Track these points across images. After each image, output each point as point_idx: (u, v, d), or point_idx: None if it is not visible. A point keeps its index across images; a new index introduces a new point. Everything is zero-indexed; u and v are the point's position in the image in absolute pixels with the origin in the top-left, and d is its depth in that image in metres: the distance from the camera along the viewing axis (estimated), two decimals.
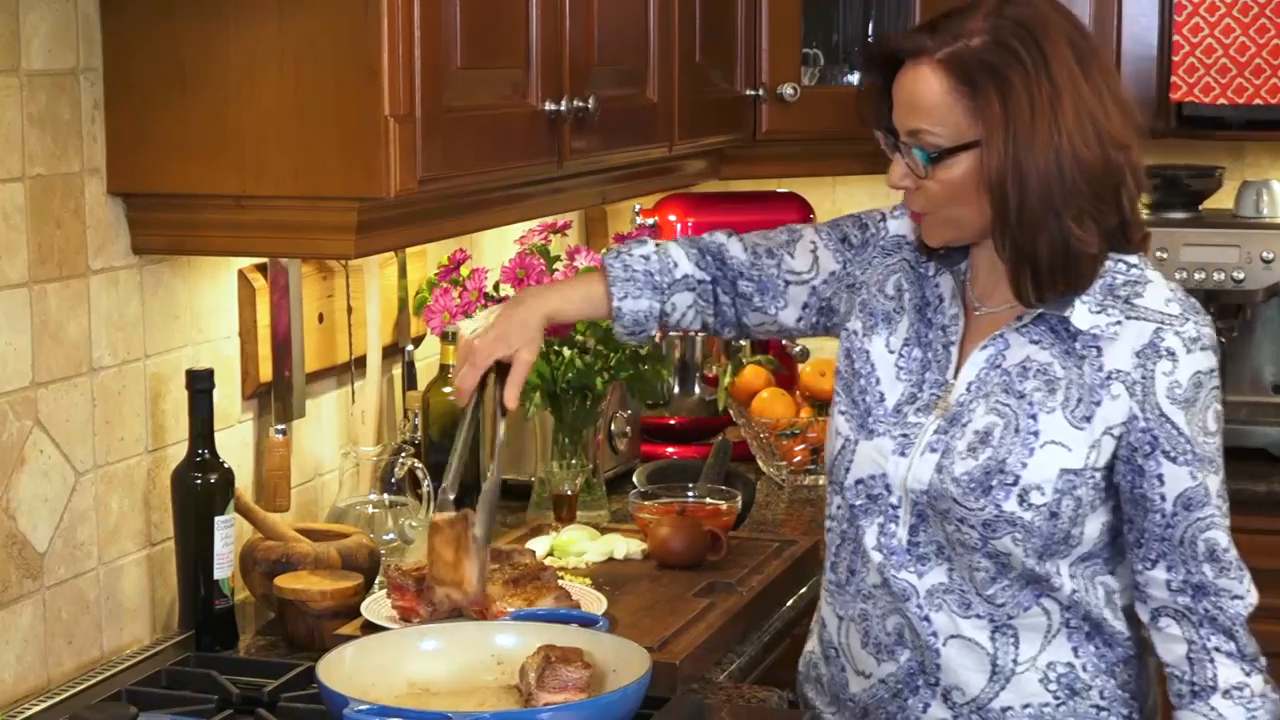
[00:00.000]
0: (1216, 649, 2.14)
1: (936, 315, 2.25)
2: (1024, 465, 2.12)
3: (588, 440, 3.10)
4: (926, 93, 2.09)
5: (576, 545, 2.80)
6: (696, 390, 3.62)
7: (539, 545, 2.79)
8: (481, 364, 2.24)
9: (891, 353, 2.25)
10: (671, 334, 2.53)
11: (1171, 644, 2.15)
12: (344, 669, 2.04)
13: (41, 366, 2.26)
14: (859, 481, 2.23)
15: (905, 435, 2.20)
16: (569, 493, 3.00)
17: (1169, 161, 4.01)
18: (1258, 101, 3.68)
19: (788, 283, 2.38)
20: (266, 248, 2.46)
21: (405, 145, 2.20)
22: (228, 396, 2.61)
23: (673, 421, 3.61)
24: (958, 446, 2.15)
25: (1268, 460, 3.69)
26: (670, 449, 3.57)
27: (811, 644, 2.38)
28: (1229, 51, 3.66)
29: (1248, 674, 2.14)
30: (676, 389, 3.58)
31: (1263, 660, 2.17)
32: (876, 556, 2.21)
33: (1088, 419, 2.12)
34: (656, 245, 2.40)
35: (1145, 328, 2.11)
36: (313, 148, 2.22)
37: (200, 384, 2.42)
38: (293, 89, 2.22)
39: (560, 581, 2.47)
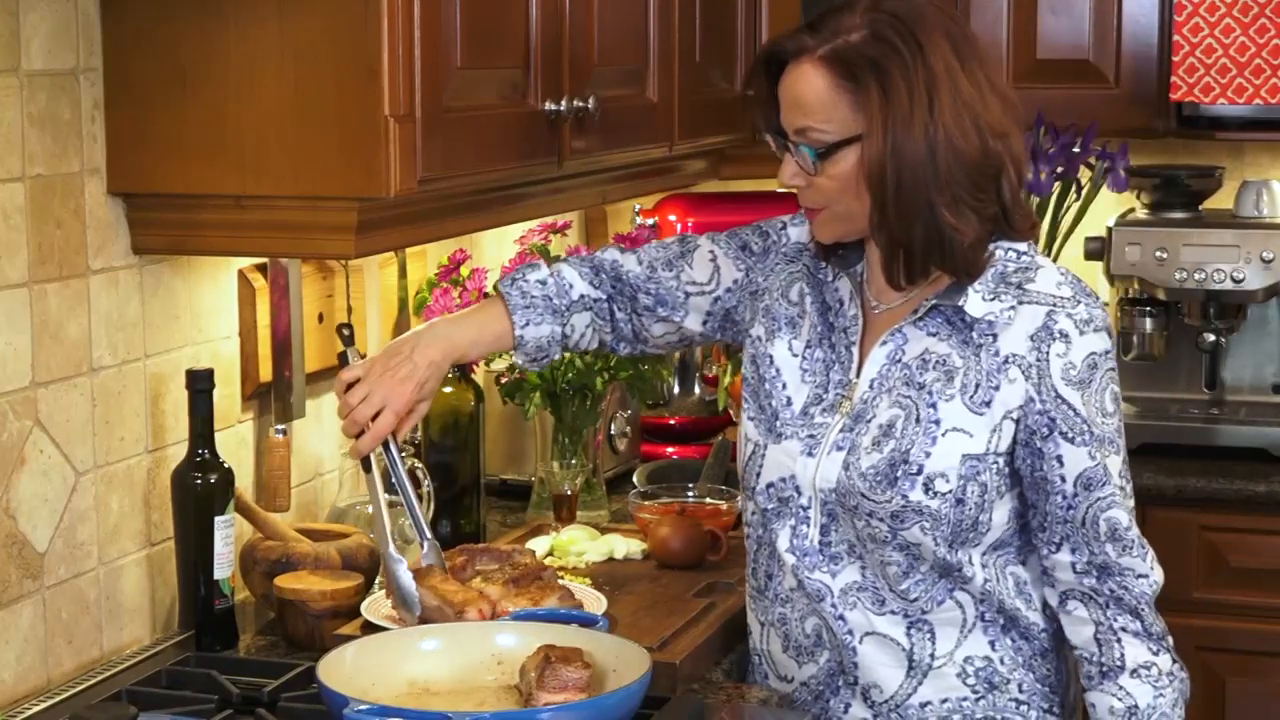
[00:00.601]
0: (1123, 629, 2.16)
1: (838, 318, 2.28)
2: (927, 455, 2.15)
3: (588, 440, 3.10)
4: (810, 90, 2.12)
5: (576, 545, 2.80)
6: (696, 390, 3.63)
7: (539, 545, 2.79)
8: (400, 415, 2.27)
9: (795, 356, 2.29)
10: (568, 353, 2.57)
11: (1079, 626, 2.18)
12: (344, 669, 2.04)
13: (41, 366, 2.26)
14: (770, 485, 2.26)
15: (812, 436, 2.23)
16: (569, 493, 3.00)
17: (1169, 161, 4.01)
18: (1258, 101, 3.68)
19: (688, 294, 2.42)
20: (266, 248, 2.46)
21: (405, 145, 2.20)
22: (228, 396, 2.61)
23: (673, 421, 3.61)
24: (863, 442, 2.19)
25: (1268, 460, 3.69)
26: (670, 449, 3.57)
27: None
28: (1229, 51, 3.66)
29: (1155, 653, 2.17)
30: (676, 389, 3.58)
31: (1170, 640, 2.19)
32: (790, 559, 2.24)
33: (987, 404, 2.15)
34: (550, 269, 2.42)
35: (1038, 311, 2.15)
36: (313, 148, 2.22)
37: (200, 384, 2.42)
38: (293, 89, 2.22)
39: (561, 581, 2.47)
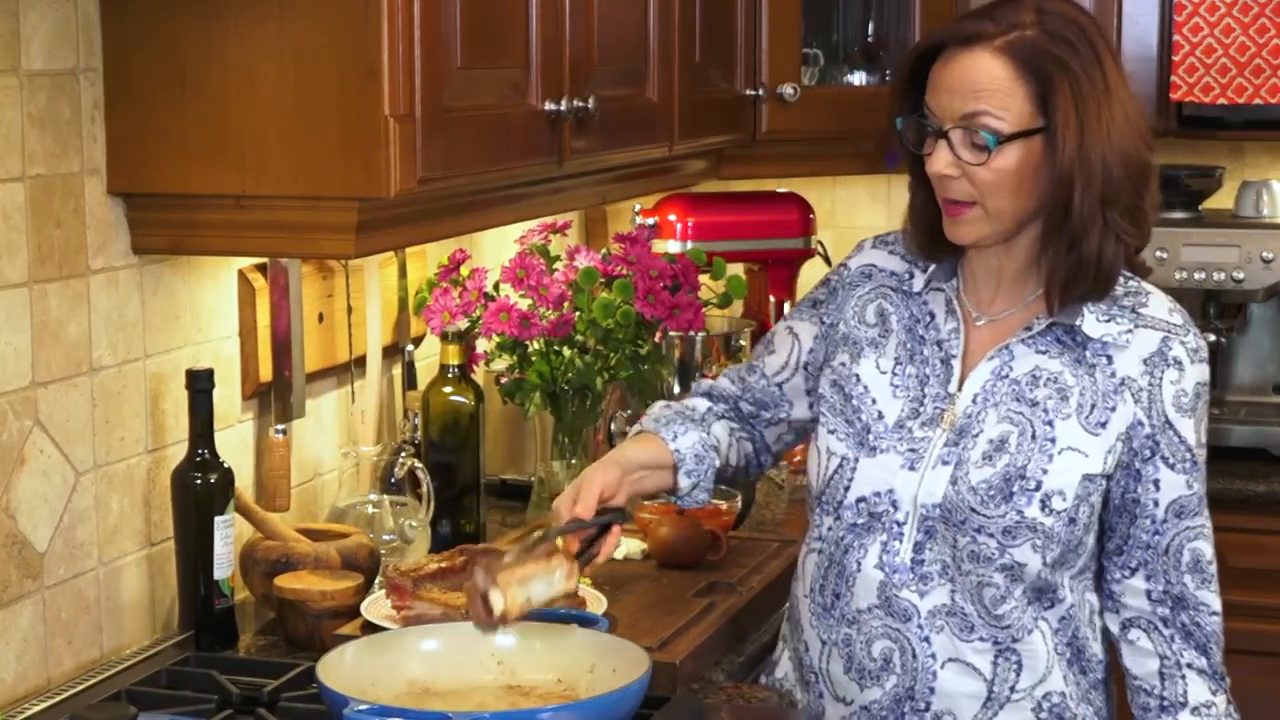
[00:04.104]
0: (1189, 665, 2.15)
1: (929, 331, 2.24)
2: (1045, 471, 2.12)
3: (588, 440, 3.10)
4: (987, 77, 2.08)
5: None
6: None
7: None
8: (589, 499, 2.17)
9: (883, 373, 2.24)
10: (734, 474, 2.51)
11: (1143, 657, 2.17)
12: (344, 669, 2.04)
13: (41, 366, 2.26)
14: (861, 500, 2.21)
15: (913, 450, 2.19)
16: None
17: (1169, 161, 4.00)
18: (1258, 101, 3.68)
19: (781, 384, 2.38)
20: (266, 248, 2.46)
21: (405, 145, 2.20)
22: (228, 396, 2.61)
23: None
24: (971, 456, 2.15)
25: (1268, 460, 3.69)
26: None
27: (783, 670, 2.36)
28: (1229, 51, 3.66)
29: (1214, 692, 2.16)
30: (676, 389, 3.58)
31: (1228, 681, 2.19)
32: (878, 575, 2.19)
33: (1103, 425, 2.13)
34: (669, 403, 2.40)
35: (1153, 336, 2.14)
36: (313, 148, 2.22)
37: (200, 384, 2.42)
38: (293, 89, 2.22)
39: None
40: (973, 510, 2.13)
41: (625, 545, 2.81)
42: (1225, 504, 3.54)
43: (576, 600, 2.40)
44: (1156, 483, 2.13)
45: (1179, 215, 3.85)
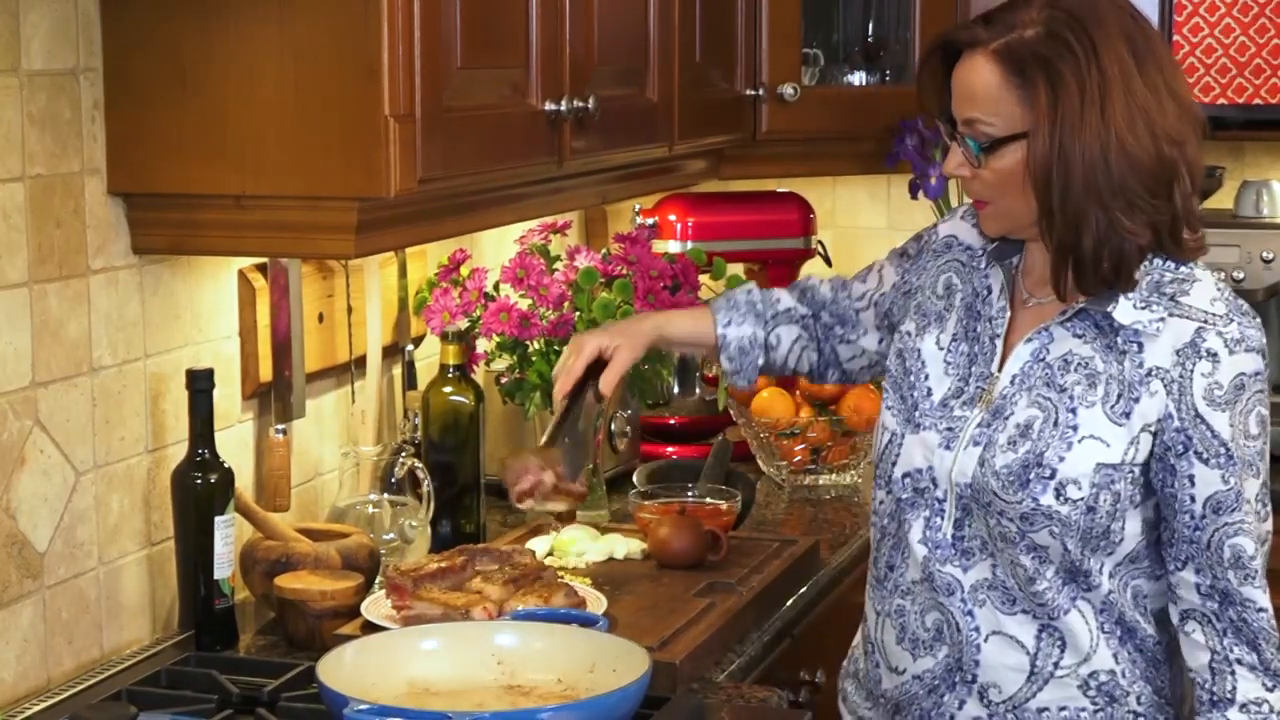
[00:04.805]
0: (1239, 660, 2.12)
1: (984, 307, 2.25)
2: (1061, 459, 2.12)
3: (588, 440, 3.10)
4: (979, 83, 2.11)
5: (576, 545, 2.80)
6: (696, 390, 3.63)
7: (539, 545, 2.79)
8: (587, 355, 2.37)
9: (941, 349, 2.26)
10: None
11: (1196, 651, 2.14)
12: (344, 669, 2.04)
13: (41, 366, 2.26)
14: (906, 475, 2.24)
15: (950, 429, 2.21)
16: None
17: None
18: (1258, 101, 3.68)
19: (858, 310, 2.47)
20: (266, 248, 2.46)
21: (405, 145, 2.20)
22: (228, 396, 2.61)
23: (673, 421, 3.61)
24: (999, 439, 2.16)
25: (1270, 460, 3.68)
26: (670, 449, 3.57)
27: (857, 637, 2.41)
28: (1229, 51, 3.66)
29: (1270, 689, 2.12)
30: (676, 389, 3.58)
31: None
32: (921, 550, 2.21)
33: (1127, 415, 2.11)
34: (756, 286, 2.52)
35: (1187, 326, 2.10)
36: (313, 148, 2.22)
37: (200, 384, 2.42)
38: (293, 89, 2.22)
39: (561, 580, 2.47)
40: (995, 494, 2.14)
41: (625, 545, 2.81)
42: None
43: (577, 600, 2.40)
44: (1191, 478, 2.10)
45: None
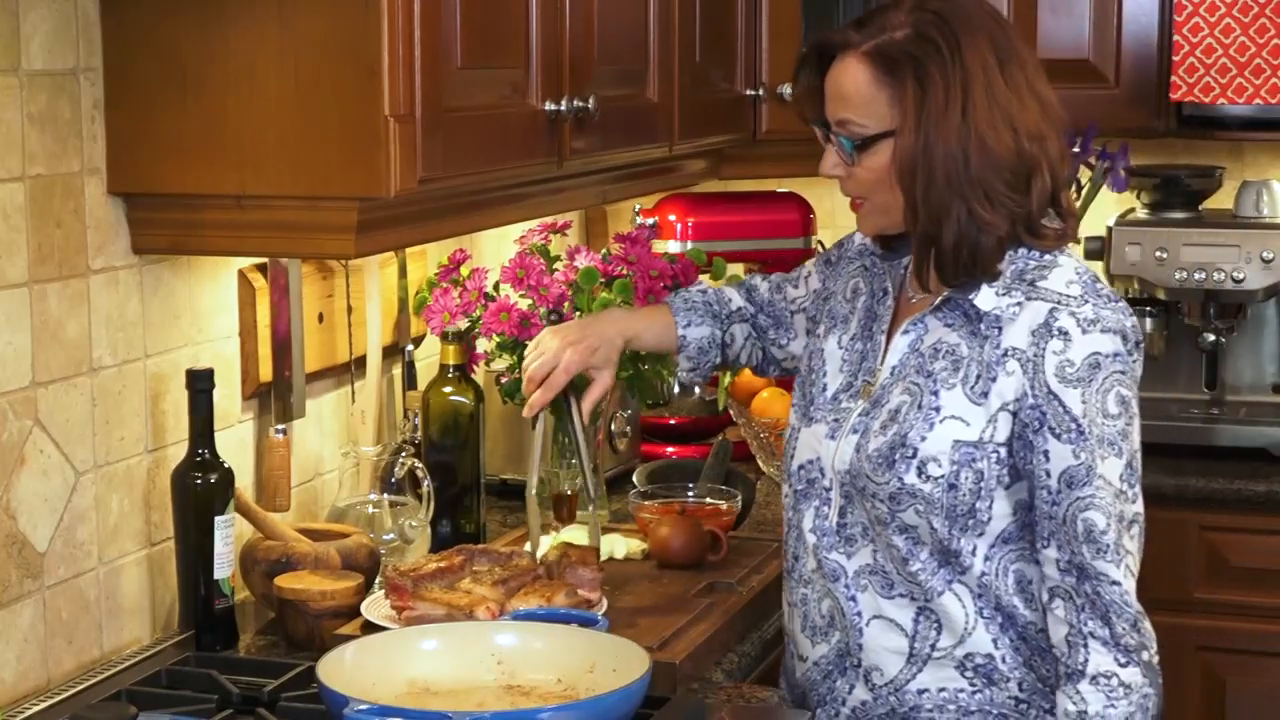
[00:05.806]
0: (1091, 634, 2.15)
1: (879, 307, 2.35)
2: (923, 439, 2.19)
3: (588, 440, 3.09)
4: (851, 84, 2.20)
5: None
6: (696, 390, 3.62)
7: (539, 545, 2.79)
8: (571, 372, 2.46)
9: (841, 348, 2.36)
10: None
11: (1057, 625, 2.18)
12: (344, 669, 2.04)
13: (41, 366, 2.26)
14: (801, 467, 2.33)
15: (836, 420, 2.30)
16: (569, 493, 3.00)
17: (1169, 161, 4.01)
18: (1258, 101, 3.67)
19: (792, 313, 2.56)
20: (266, 248, 2.46)
21: (405, 145, 2.20)
22: (228, 396, 2.61)
23: (673, 421, 3.61)
24: (874, 426, 2.24)
25: (1268, 460, 3.69)
26: (670, 449, 3.57)
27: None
28: (1229, 51, 3.66)
29: (1122, 665, 2.14)
30: (676, 389, 3.57)
31: (1147, 654, 2.16)
32: (812, 539, 2.30)
33: (985, 395, 2.18)
34: (709, 286, 2.62)
35: (1042, 307, 2.18)
36: (313, 147, 2.22)
37: (200, 384, 2.42)
38: (293, 89, 2.22)
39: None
40: (868, 478, 2.22)
41: (625, 545, 2.81)
42: (1225, 504, 3.55)
43: (578, 600, 2.40)
44: (1046, 453, 2.15)
45: (1179, 215, 3.84)
